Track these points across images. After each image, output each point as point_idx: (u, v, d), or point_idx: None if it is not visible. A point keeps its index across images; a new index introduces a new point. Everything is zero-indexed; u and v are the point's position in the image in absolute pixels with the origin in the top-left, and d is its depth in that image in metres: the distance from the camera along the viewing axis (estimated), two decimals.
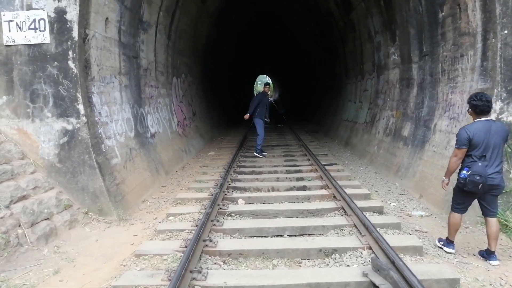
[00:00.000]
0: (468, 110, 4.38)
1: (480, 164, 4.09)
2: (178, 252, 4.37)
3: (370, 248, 4.35)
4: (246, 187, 7.28)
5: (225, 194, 6.62)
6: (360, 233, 4.76)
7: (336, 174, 8.02)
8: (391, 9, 9.23)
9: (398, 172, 8.05)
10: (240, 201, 6.46)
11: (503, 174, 4.37)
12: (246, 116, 10.64)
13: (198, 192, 7.10)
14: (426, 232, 5.27)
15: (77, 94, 5.54)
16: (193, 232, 4.78)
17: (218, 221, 5.24)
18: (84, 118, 5.58)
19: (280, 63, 33.32)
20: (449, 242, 4.60)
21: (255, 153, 10.48)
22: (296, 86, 30.67)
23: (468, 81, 6.06)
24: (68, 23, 5.48)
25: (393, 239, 4.58)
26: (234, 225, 5.20)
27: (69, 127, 5.58)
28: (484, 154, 4.12)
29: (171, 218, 5.73)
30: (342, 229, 5.07)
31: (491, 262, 4.25)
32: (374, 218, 5.27)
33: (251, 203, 6.46)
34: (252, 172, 8.63)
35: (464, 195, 4.31)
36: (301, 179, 7.90)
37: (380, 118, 10.39)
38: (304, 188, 7.20)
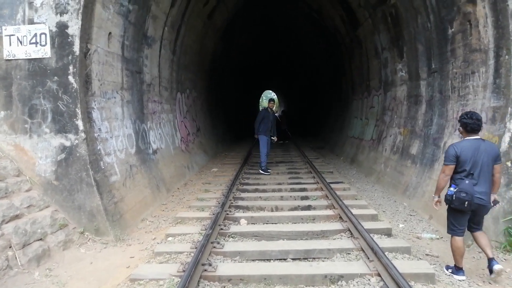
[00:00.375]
0: (459, 128, 4.44)
1: (467, 182, 4.12)
2: (175, 277, 4.14)
3: (379, 275, 4.09)
4: (249, 206, 7.06)
5: (227, 214, 6.40)
6: (368, 258, 4.50)
7: (342, 193, 7.78)
8: (399, 25, 9.10)
9: (406, 192, 7.79)
10: (242, 221, 6.23)
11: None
12: (256, 136, 10.64)
13: (199, 211, 6.88)
14: (437, 257, 5.00)
15: (77, 109, 5.41)
16: (192, 254, 4.56)
17: (218, 243, 5.01)
18: (83, 134, 5.43)
19: (285, 78, 33.35)
20: (458, 269, 4.41)
21: (260, 170, 10.35)
22: (301, 102, 30.59)
23: (480, 98, 5.85)
24: (70, 37, 5.39)
25: (403, 264, 4.32)
26: (235, 248, 4.96)
27: (67, 143, 5.43)
28: (471, 172, 4.15)
29: (170, 239, 5.51)
30: (349, 253, 4.81)
31: (495, 267, 4.15)
32: (382, 241, 5.01)
33: (254, 223, 6.23)
34: (256, 190, 8.40)
35: (456, 215, 4.28)
36: (306, 198, 7.66)
37: (387, 136, 10.16)
38: (309, 207, 6.96)
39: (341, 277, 4.13)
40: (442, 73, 7.23)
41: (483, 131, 5.72)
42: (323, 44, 18.16)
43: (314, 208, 6.92)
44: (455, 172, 4.26)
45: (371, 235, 5.18)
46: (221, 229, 5.63)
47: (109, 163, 6.07)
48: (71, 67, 5.39)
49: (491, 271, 4.19)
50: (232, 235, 5.54)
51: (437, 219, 6.21)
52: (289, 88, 35.40)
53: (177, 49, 10.72)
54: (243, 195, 7.89)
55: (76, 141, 5.42)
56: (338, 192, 7.63)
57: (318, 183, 8.81)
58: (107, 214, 5.45)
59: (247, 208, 7.00)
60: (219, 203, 6.94)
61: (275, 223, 6.23)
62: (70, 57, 5.39)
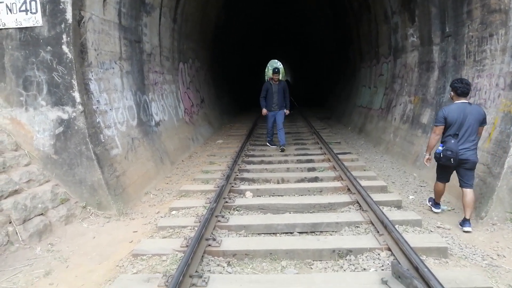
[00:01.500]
0: (450, 93, 4.96)
1: (453, 141, 4.66)
2: (178, 252, 4.03)
3: (389, 249, 3.94)
4: (254, 178, 6.90)
5: (232, 186, 6.25)
6: (378, 232, 4.34)
7: (350, 164, 7.59)
8: None
9: (416, 162, 7.56)
10: (248, 193, 6.09)
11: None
12: (264, 111, 9.53)
13: (204, 184, 6.75)
14: (449, 229, 4.83)
15: (72, 81, 5.17)
16: (196, 229, 4.43)
17: (223, 216, 4.87)
18: (80, 107, 5.23)
19: (292, 47, 32.58)
20: (436, 203, 5.39)
21: (267, 143, 10.04)
22: (308, 71, 29.98)
23: (498, 63, 5.51)
24: (61, 4, 5.08)
25: (414, 238, 4.16)
26: (241, 221, 4.83)
27: (65, 116, 5.24)
28: (457, 133, 4.67)
29: (174, 212, 5.39)
30: (358, 226, 4.65)
31: (464, 228, 4.72)
32: (392, 214, 4.84)
33: (259, 196, 6.09)
34: (261, 162, 8.24)
35: (442, 168, 4.98)
36: (313, 169, 7.49)
37: (396, 104, 9.84)
38: (316, 179, 6.79)
39: (349, 251, 3.98)
40: (456, 37, 6.83)
41: (500, 98, 5.44)
42: (331, 12, 17.49)
43: (321, 180, 6.75)
44: (444, 132, 4.80)
45: (381, 207, 5.01)
46: (226, 202, 5.50)
47: (110, 136, 5.89)
48: (64, 36, 5.11)
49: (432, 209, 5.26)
50: (237, 208, 5.41)
51: (448, 190, 6.00)
52: (295, 57, 34.67)
53: (177, 17, 10.31)
54: (248, 167, 7.73)
55: (74, 114, 5.22)
56: (346, 163, 7.44)
57: (325, 154, 8.60)
58: (108, 188, 5.32)
59: (252, 181, 6.85)
60: (224, 176, 6.80)
61: (281, 195, 6.08)
62: (63, 26, 5.10)
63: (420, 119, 8.13)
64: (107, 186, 5.30)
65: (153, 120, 8.04)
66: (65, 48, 5.13)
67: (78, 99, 5.21)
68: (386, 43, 11.14)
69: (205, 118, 12.98)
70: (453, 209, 5.56)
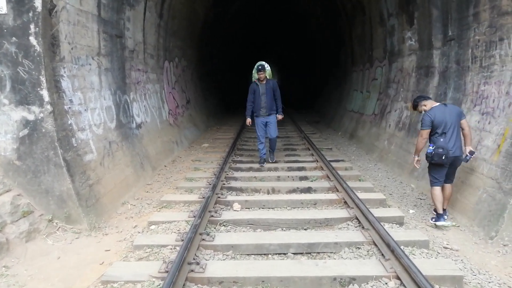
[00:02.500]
0: (422, 106, 5.27)
1: (442, 140, 4.91)
2: (156, 279, 3.47)
3: (398, 277, 3.45)
4: (242, 187, 6.37)
5: (218, 197, 5.71)
6: (383, 255, 3.87)
7: (344, 173, 7.12)
8: None
9: (414, 172, 7.15)
10: (236, 205, 5.55)
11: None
12: (248, 121, 7.97)
13: (187, 193, 6.20)
14: (457, 250, 4.39)
15: (41, 77, 4.56)
16: (178, 248, 3.89)
17: (208, 234, 4.33)
18: (48, 107, 4.61)
19: (281, 48, 32.15)
20: (439, 215, 5.09)
21: (259, 164, 7.87)
22: (296, 73, 29.59)
23: (509, 69, 5.11)
24: None
25: (425, 264, 3.67)
26: (228, 240, 4.29)
27: (31, 117, 4.61)
28: (444, 132, 4.93)
29: (153, 227, 4.82)
30: (359, 248, 4.17)
31: (438, 222, 5.04)
32: (396, 233, 4.37)
33: (248, 208, 5.57)
34: (250, 169, 7.71)
35: (436, 169, 5.05)
36: (305, 178, 7.00)
37: (391, 110, 9.45)
38: (309, 190, 6.30)
39: (352, 279, 3.49)
40: (460, 41, 6.44)
41: (510, 108, 5.04)
42: (323, 13, 17.10)
43: (315, 191, 6.27)
44: (431, 134, 5.03)
45: (382, 223, 4.57)
46: (212, 216, 4.96)
47: (83, 140, 5.28)
48: (32, 26, 4.50)
49: (435, 224, 5.07)
50: (224, 223, 4.88)
51: (452, 205, 5.59)
52: (284, 59, 34.27)
53: (164, 13, 9.72)
54: (236, 174, 7.21)
55: (41, 115, 4.61)
56: (340, 172, 6.98)
57: (317, 161, 8.14)
58: (79, 199, 4.72)
59: (240, 190, 6.33)
60: (210, 184, 6.27)
61: (272, 208, 5.58)
62: (30, 14, 4.49)
63: (418, 126, 7.71)
64: (77, 196, 4.70)
65: (134, 122, 7.43)
66: (32, 39, 4.51)
67: (46, 98, 4.60)
68: (381, 46, 10.75)
69: (190, 120, 12.39)
70: (458, 226, 5.14)
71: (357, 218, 4.89)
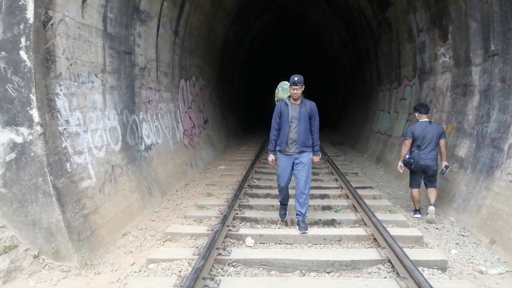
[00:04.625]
0: (415, 114, 6.32)
1: (416, 151, 5.95)
2: None
3: None
4: (257, 218, 5.71)
5: (229, 230, 5.06)
6: None
7: (372, 203, 6.36)
8: (443, 0, 7.52)
9: (453, 203, 6.31)
10: (249, 240, 4.89)
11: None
12: (271, 159, 5.35)
13: (196, 224, 5.57)
14: None
15: (30, 95, 4.10)
16: None
17: (212, 279, 3.67)
18: (38, 128, 4.13)
19: (303, 68, 31.72)
20: (416, 211, 6.30)
21: (279, 216, 5.63)
22: (319, 93, 28.97)
23: None
24: (21, 0, 4.07)
25: None
26: (235, 286, 3.62)
27: (19, 140, 4.14)
28: (419, 145, 5.94)
29: (151, 266, 4.20)
30: None
31: (415, 215, 6.24)
32: (440, 284, 3.59)
33: (263, 244, 4.89)
34: (267, 196, 7.03)
35: (412, 173, 6.15)
36: (329, 207, 6.28)
37: None
38: (332, 222, 5.57)
39: None
40: (506, 56, 5.68)
41: None
42: (346, 31, 16.54)
43: (340, 224, 5.53)
44: (412, 145, 6.04)
45: (421, 269, 3.81)
46: (219, 254, 4.30)
47: (80, 164, 4.77)
48: (23, 40, 4.07)
49: (427, 213, 6.00)
50: (234, 264, 4.21)
51: (503, 246, 4.74)
52: (306, 78, 33.75)
53: (180, 30, 9.36)
54: (251, 201, 6.55)
55: (30, 137, 4.13)
56: (367, 202, 6.23)
57: (342, 188, 7.39)
58: (70, 232, 4.16)
59: (255, 221, 5.66)
60: (221, 213, 5.63)
61: (291, 244, 4.88)
62: (21, 26, 4.07)
63: (455, 151, 6.90)
64: (67, 229, 4.15)
65: (143, 143, 6.93)
66: (23, 54, 4.08)
67: (36, 118, 4.12)
68: (409, 64, 10.03)
69: (207, 141, 11.87)
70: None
71: (390, 262, 4.13)
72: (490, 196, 5.44)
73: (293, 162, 5.14)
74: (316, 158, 5.29)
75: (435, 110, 8.25)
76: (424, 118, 6.06)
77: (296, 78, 5.00)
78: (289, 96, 5.21)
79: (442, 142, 5.92)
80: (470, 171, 6.21)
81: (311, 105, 5.18)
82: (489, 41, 6.13)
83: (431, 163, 5.89)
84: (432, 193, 6.04)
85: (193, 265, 3.83)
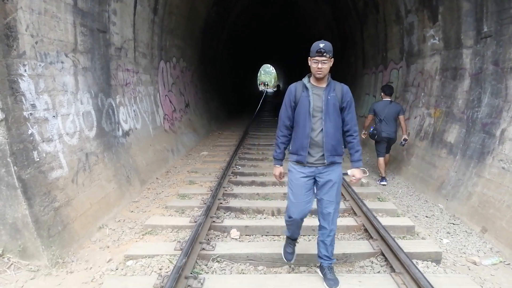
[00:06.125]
0: (381, 94, 7.52)
1: (378, 125, 7.15)
2: None
3: None
4: (243, 207, 5.44)
5: (213, 221, 4.79)
6: None
7: (360, 191, 6.18)
8: None
9: (441, 190, 6.19)
10: (234, 232, 4.64)
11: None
12: (278, 172, 3.63)
13: (177, 215, 5.27)
14: None
15: None
16: None
17: (195, 278, 3.40)
18: (0, 114, 3.71)
19: (286, 51, 31.28)
20: (382, 178, 7.29)
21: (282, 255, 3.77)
22: (303, 76, 28.61)
23: None
24: None
25: None
26: (221, 285, 3.36)
27: None
28: (381, 119, 7.10)
29: (130, 263, 3.89)
30: None
31: (381, 183, 7.21)
32: (437, 279, 3.42)
33: (249, 235, 4.65)
34: (252, 183, 6.78)
35: (377, 144, 7.30)
36: None
37: (410, 117, 8.47)
38: None
39: None
40: (499, 38, 5.48)
41: None
42: (331, 12, 16.16)
43: None
44: (376, 119, 7.20)
45: (414, 261, 3.64)
46: (203, 249, 4.02)
47: (49, 153, 4.36)
48: None
49: (381, 184, 7.20)
50: (218, 259, 3.94)
51: (495, 235, 4.63)
52: (290, 61, 33.37)
53: (159, 8, 8.83)
54: (236, 190, 6.28)
55: None
56: (355, 189, 6.03)
57: None
58: (38, 228, 3.80)
59: (240, 211, 5.40)
60: (204, 203, 5.35)
61: (278, 236, 4.64)
62: None
63: (444, 136, 6.76)
64: (35, 224, 3.78)
65: (120, 129, 6.52)
66: None
67: None
68: (397, 47, 9.79)
69: (189, 125, 11.47)
70: (505, 261, 4.17)
71: (383, 254, 3.94)
72: (481, 183, 5.32)
73: (316, 179, 3.36)
74: (359, 173, 3.37)
75: (422, 94, 8.07)
76: (387, 98, 7.23)
77: (321, 45, 3.20)
78: (308, 76, 3.43)
79: (401, 118, 7.09)
80: (460, 157, 6.08)
81: (343, 89, 3.35)
82: (482, 22, 5.91)
83: (393, 135, 7.10)
84: (383, 160, 7.29)
85: (174, 263, 3.55)
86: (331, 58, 3.22)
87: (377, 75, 11.57)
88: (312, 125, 3.26)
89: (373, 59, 11.95)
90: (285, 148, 3.53)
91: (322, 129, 3.25)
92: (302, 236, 4.54)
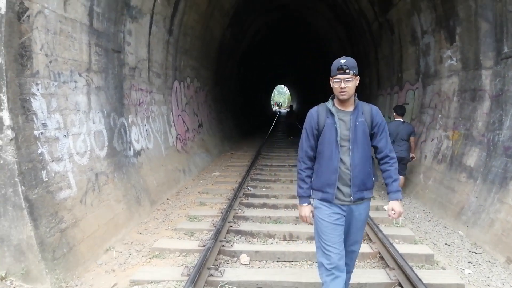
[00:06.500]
0: (393, 114, 7.58)
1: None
2: None
3: None
4: (253, 231, 5.27)
5: (223, 246, 4.63)
6: None
7: (375, 215, 5.96)
8: (450, 0, 7.16)
9: (461, 216, 5.91)
10: (243, 257, 4.46)
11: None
12: (306, 213, 3.00)
13: (186, 238, 5.13)
14: None
15: (1, 95, 3.65)
16: None
17: None
18: (9, 132, 3.69)
19: (300, 72, 31.43)
20: None
21: None
22: (318, 98, 28.61)
23: None
24: None
25: None
26: None
27: None
28: (393, 140, 6.84)
29: None
30: None
31: None
32: None
33: (259, 261, 4.47)
34: (264, 206, 6.61)
35: None
36: None
37: (427, 139, 8.24)
38: None
39: None
40: None
41: None
42: (345, 33, 16.19)
43: None
44: None
45: None
46: (211, 275, 3.87)
47: (58, 173, 4.32)
48: None
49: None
50: (226, 286, 3.77)
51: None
52: (303, 82, 33.46)
53: (174, 29, 8.93)
54: (247, 212, 6.12)
55: (0, 142, 3.68)
56: (371, 214, 5.80)
57: None
58: (43, 250, 3.71)
59: (251, 235, 5.23)
60: (214, 226, 5.20)
61: (290, 262, 4.45)
62: None
63: (463, 160, 6.52)
64: (40, 246, 3.70)
65: (131, 148, 6.49)
66: None
67: (7, 121, 3.68)
68: (412, 68, 9.65)
69: (202, 145, 11.43)
70: None
71: (400, 285, 3.71)
72: (505, 210, 5.05)
73: (344, 218, 2.91)
74: (399, 207, 2.90)
75: (440, 115, 7.87)
76: (399, 118, 7.29)
77: (343, 61, 2.85)
78: (332, 98, 3.01)
79: (411, 139, 7.20)
80: (481, 182, 5.82)
81: (372, 111, 2.97)
82: (502, 43, 5.75)
83: (405, 154, 7.10)
84: (400, 180, 6.79)
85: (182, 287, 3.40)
86: (356, 75, 2.83)
87: (392, 96, 11.40)
88: (338, 154, 2.83)
89: (388, 80, 11.81)
90: (310, 183, 3.00)
91: (350, 161, 2.82)
92: (311, 265, 4.33)
